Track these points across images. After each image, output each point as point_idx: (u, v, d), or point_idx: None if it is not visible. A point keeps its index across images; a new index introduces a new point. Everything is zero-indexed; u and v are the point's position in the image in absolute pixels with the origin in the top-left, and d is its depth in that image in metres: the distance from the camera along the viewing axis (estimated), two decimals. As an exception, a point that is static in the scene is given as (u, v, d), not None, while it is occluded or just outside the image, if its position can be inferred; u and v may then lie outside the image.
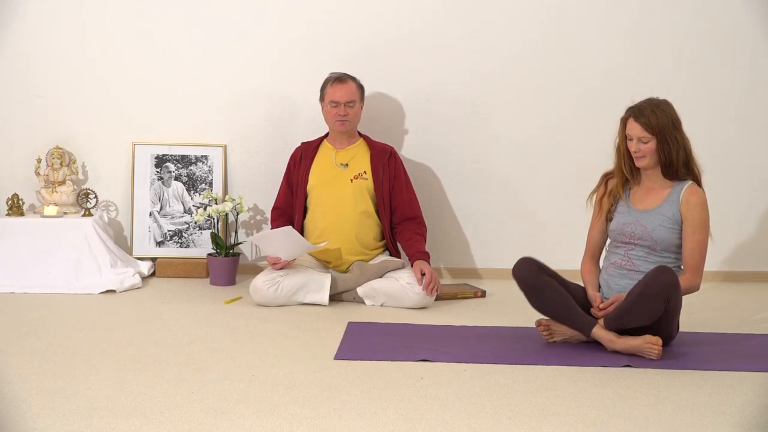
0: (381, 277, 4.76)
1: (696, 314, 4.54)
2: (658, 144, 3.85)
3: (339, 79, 4.89)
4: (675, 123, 3.87)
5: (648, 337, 3.75)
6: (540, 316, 4.05)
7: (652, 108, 3.87)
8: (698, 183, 3.95)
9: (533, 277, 3.95)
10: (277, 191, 5.07)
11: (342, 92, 4.86)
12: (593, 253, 4.15)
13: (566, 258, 5.36)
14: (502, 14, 5.33)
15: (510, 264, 5.45)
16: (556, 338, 3.99)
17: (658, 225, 3.90)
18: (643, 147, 3.87)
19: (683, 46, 5.36)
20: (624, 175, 4.00)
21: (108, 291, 4.88)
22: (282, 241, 4.64)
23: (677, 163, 3.88)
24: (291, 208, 4.99)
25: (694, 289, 3.91)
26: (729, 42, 5.34)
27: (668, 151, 3.86)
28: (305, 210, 4.95)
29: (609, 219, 4.06)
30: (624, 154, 3.98)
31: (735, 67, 5.37)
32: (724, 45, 5.35)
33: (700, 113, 5.38)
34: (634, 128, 3.88)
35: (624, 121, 3.95)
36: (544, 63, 5.37)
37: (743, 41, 5.34)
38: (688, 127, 5.30)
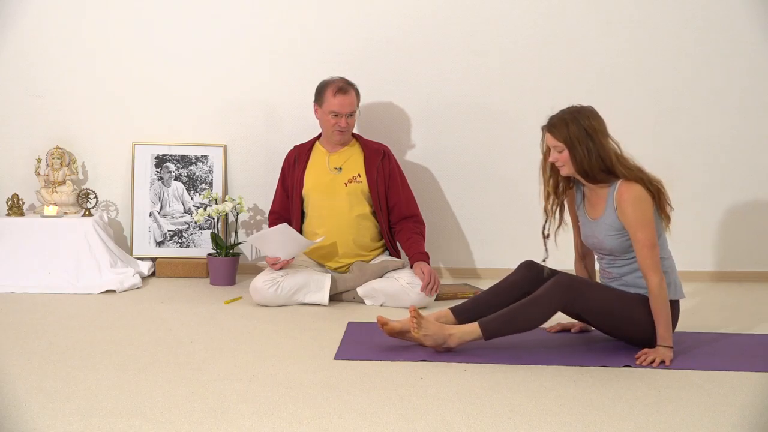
0: (381, 277, 4.76)
1: (696, 314, 4.54)
2: (570, 152, 3.79)
3: (342, 89, 4.79)
4: (589, 131, 3.76)
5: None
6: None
7: (564, 118, 3.81)
8: (636, 180, 3.78)
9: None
10: (273, 195, 5.07)
11: (345, 104, 4.80)
12: (579, 255, 4.17)
13: (566, 258, 5.37)
14: (501, 14, 5.33)
15: (509, 264, 5.48)
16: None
17: (605, 235, 3.86)
18: (559, 156, 3.82)
19: (683, 47, 5.35)
20: (549, 192, 3.95)
21: (108, 291, 4.89)
22: (279, 239, 4.64)
23: (592, 170, 3.79)
24: (288, 211, 4.98)
25: (663, 285, 3.73)
26: (729, 42, 5.34)
27: (580, 159, 3.78)
28: (302, 213, 4.94)
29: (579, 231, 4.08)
30: (547, 166, 3.93)
31: (735, 68, 5.37)
32: (724, 45, 5.35)
33: (701, 113, 5.38)
34: (548, 139, 3.85)
35: (543, 133, 3.91)
36: (543, 63, 5.37)
37: (743, 41, 5.33)
38: (689, 127, 5.35)
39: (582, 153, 3.77)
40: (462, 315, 3.98)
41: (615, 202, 3.80)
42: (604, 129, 3.82)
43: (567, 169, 3.85)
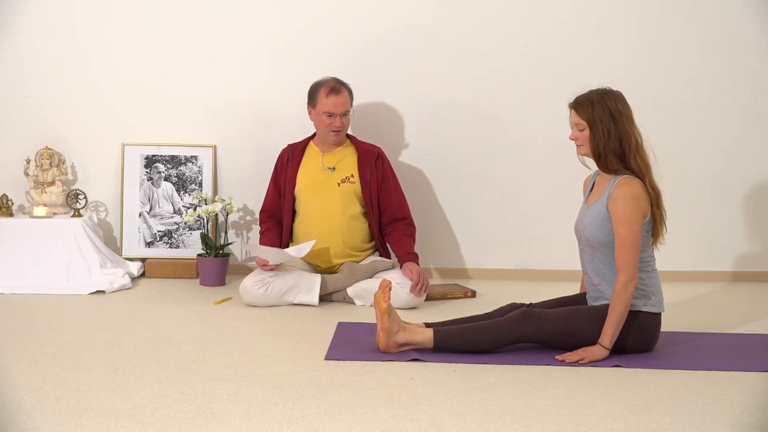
0: (371, 277, 4.77)
1: (686, 314, 4.55)
2: (591, 133, 3.77)
3: (334, 89, 4.80)
4: (615, 114, 3.73)
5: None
6: None
7: (591, 97, 3.79)
8: (641, 178, 3.75)
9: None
10: (265, 193, 5.06)
11: (338, 104, 4.80)
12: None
13: (558, 258, 5.39)
14: (495, 15, 5.33)
15: (499, 264, 5.50)
16: None
17: (590, 221, 3.82)
18: (579, 135, 3.81)
19: (683, 47, 5.35)
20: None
21: (98, 292, 4.87)
22: (273, 252, 4.65)
23: (606, 154, 3.75)
24: (279, 210, 4.98)
25: (629, 287, 3.68)
26: (729, 42, 5.34)
27: (598, 140, 3.75)
28: (293, 213, 4.94)
29: None
30: None
31: (735, 68, 5.37)
32: (725, 45, 5.34)
33: (701, 113, 5.38)
34: (572, 116, 3.83)
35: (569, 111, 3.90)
36: (540, 63, 5.37)
37: (744, 41, 5.33)
38: (691, 127, 5.36)
39: (601, 134, 3.74)
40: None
41: (610, 191, 3.76)
42: (629, 115, 3.79)
43: (584, 149, 3.83)
